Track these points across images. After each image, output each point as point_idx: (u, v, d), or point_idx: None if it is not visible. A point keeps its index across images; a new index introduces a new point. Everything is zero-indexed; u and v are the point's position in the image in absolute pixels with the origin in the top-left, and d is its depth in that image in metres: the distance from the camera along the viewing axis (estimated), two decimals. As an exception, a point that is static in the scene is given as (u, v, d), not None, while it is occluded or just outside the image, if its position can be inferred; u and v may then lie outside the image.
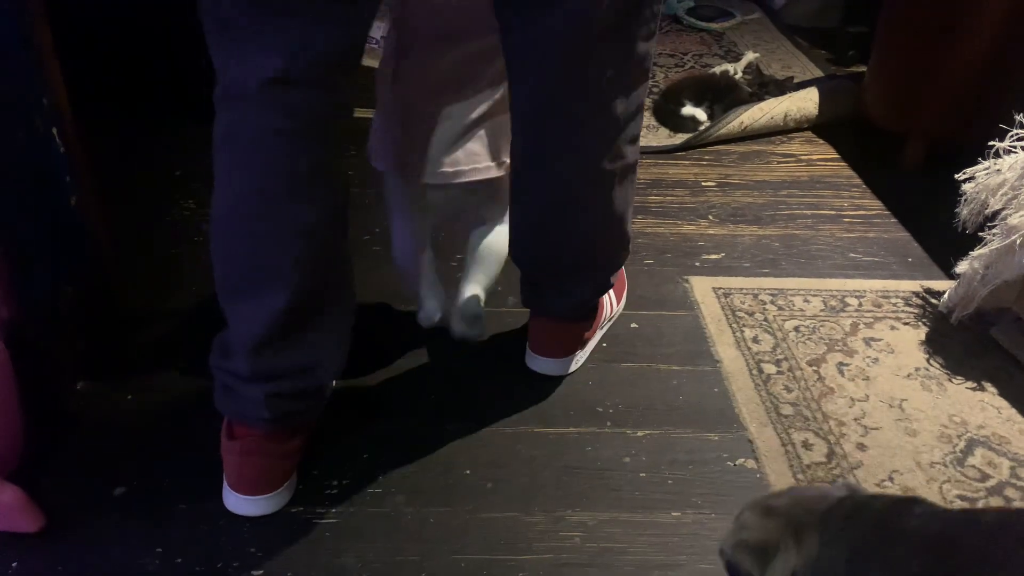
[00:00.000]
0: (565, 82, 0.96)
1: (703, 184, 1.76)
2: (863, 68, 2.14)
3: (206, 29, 0.89)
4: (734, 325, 1.34)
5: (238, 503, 1.00)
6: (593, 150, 1.00)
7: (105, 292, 1.29)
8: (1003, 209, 1.20)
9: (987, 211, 1.23)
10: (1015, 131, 1.22)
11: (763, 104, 1.97)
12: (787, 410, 1.17)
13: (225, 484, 1.01)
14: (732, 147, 1.92)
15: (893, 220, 1.63)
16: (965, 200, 1.28)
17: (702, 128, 1.94)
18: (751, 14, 2.79)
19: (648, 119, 2.05)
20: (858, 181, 1.77)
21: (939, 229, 1.34)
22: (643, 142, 1.88)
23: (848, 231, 1.59)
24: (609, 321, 1.32)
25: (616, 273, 1.20)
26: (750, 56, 2.37)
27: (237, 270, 0.95)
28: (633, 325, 1.34)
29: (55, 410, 1.15)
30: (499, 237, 1.20)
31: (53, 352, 1.15)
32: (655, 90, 2.19)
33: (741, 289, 1.42)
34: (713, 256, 1.51)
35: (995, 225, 1.22)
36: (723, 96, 2.03)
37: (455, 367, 1.24)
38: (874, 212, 1.66)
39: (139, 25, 1.90)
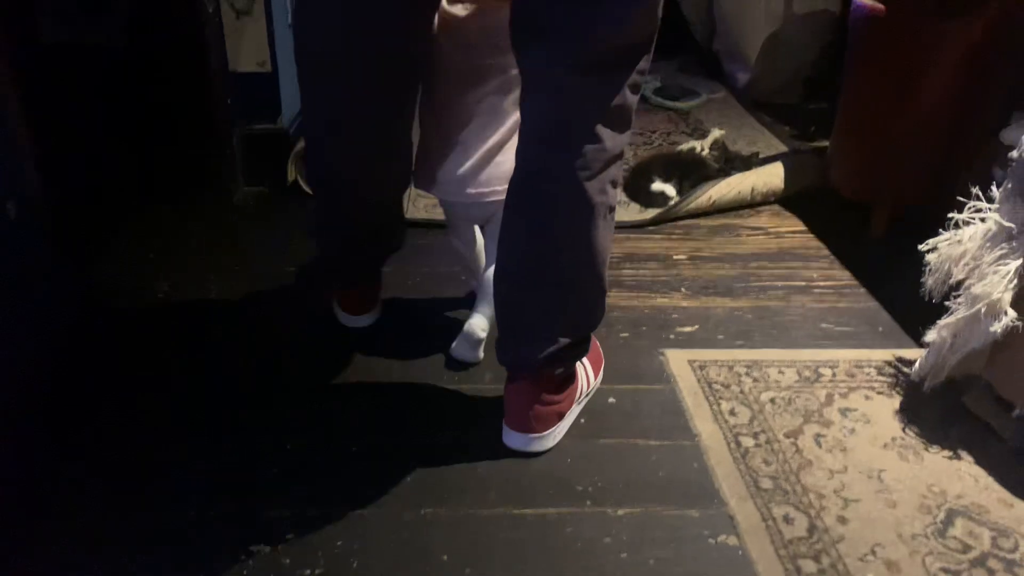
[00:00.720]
0: (560, 106, 1.05)
1: (675, 258, 1.78)
2: (825, 143, 2.22)
3: None
4: (711, 398, 1.34)
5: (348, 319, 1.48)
6: (580, 175, 1.06)
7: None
8: (966, 279, 1.23)
9: (951, 280, 1.26)
10: (972, 203, 1.25)
11: (730, 179, 2.02)
12: (766, 484, 1.17)
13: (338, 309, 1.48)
14: (702, 221, 1.96)
15: (862, 290, 1.66)
16: (930, 270, 1.31)
17: (672, 203, 1.98)
18: (716, 93, 2.89)
19: (619, 195, 2.08)
20: (826, 252, 1.81)
21: (907, 298, 1.36)
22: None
23: (819, 301, 1.62)
24: (586, 396, 1.32)
25: (588, 340, 1.23)
26: (716, 133, 2.44)
27: None
28: (610, 399, 1.34)
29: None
30: None
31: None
32: (625, 167, 2.24)
33: (716, 361, 1.43)
34: (687, 328, 1.52)
35: (960, 294, 1.24)
36: (691, 172, 2.08)
37: (431, 446, 1.23)
38: (843, 282, 1.69)
39: (108, 109, 1.93)
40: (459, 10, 1.24)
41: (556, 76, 1.03)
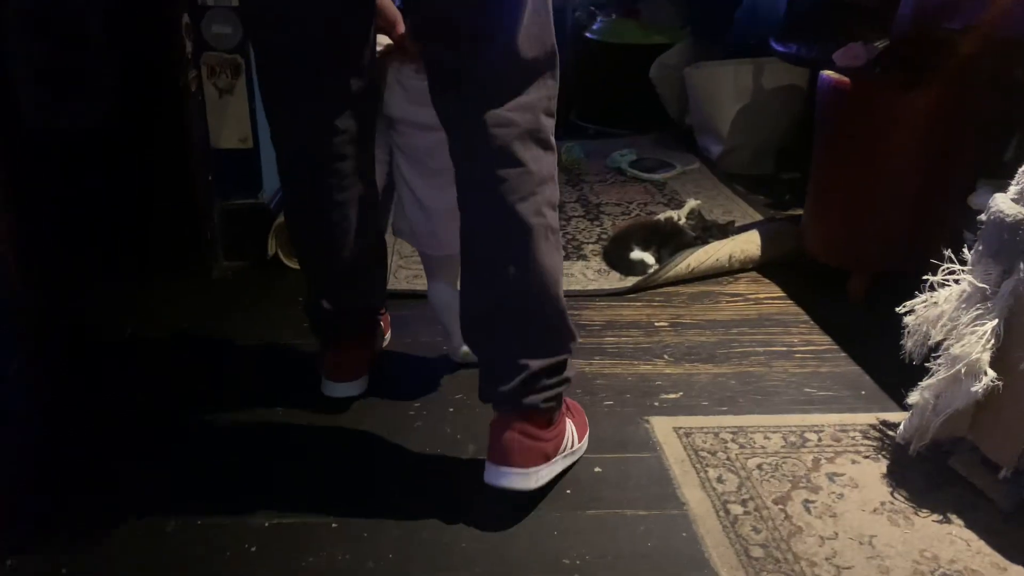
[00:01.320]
0: (480, 139, 1.13)
1: (656, 324, 1.79)
2: (800, 211, 2.27)
3: None
4: (697, 465, 1.32)
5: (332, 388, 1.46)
6: (511, 199, 1.14)
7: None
8: (945, 340, 1.24)
9: (930, 342, 1.27)
10: (945, 265, 1.28)
11: (708, 247, 2.04)
12: (757, 552, 1.14)
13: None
14: (681, 289, 1.97)
15: (843, 354, 1.67)
16: (908, 332, 1.32)
17: (651, 271, 2.00)
18: (690, 165, 2.96)
19: (599, 264, 2.11)
20: (806, 317, 1.82)
21: (888, 361, 1.37)
22: (594, 285, 1.94)
23: (801, 366, 1.62)
24: (572, 455, 1.31)
25: (564, 367, 1.24)
26: (692, 203, 2.49)
27: None
28: (596, 469, 1.32)
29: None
30: None
31: None
32: (604, 237, 2.27)
33: (702, 428, 1.42)
34: (672, 395, 1.52)
35: (939, 356, 1.25)
36: (669, 240, 2.11)
37: (412, 519, 1.20)
38: (824, 347, 1.70)
39: (88, 188, 1.94)
40: (411, 73, 1.36)
41: (472, 113, 1.12)
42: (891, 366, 1.36)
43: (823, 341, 1.72)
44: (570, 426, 1.30)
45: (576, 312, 1.83)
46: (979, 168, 1.67)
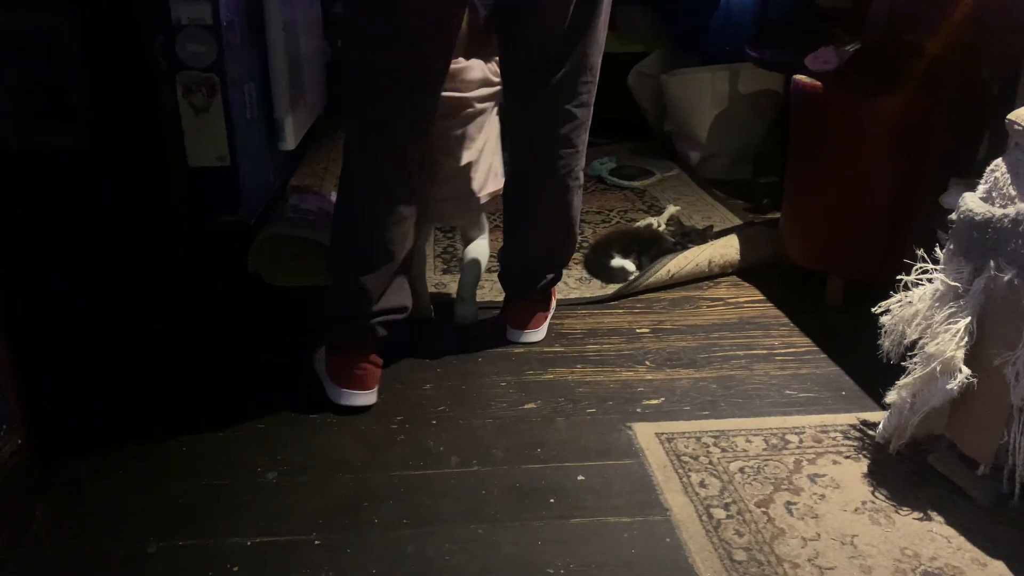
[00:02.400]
0: (552, 128, 1.55)
1: (637, 331, 1.80)
2: (778, 214, 2.29)
3: None
4: (680, 471, 1.33)
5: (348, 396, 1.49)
6: (564, 173, 1.58)
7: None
8: (920, 338, 1.25)
9: (906, 341, 1.28)
10: (919, 265, 1.29)
11: (687, 252, 2.06)
12: (740, 556, 1.15)
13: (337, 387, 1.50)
14: (662, 295, 1.98)
15: (823, 356, 1.68)
16: (885, 332, 1.33)
17: (632, 278, 2.01)
18: (670, 171, 2.98)
19: (580, 272, 2.11)
20: (785, 320, 1.84)
21: (867, 361, 1.38)
22: (576, 294, 1.95)
23: (781, 369, 1.63)
24: (552, 308, 1.82)
25: (562, 273, 1.77)
26: (672, 209, 2.51)
27: None
28: (580, 477, 1.32)
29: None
30: (480, 248, 1.79)
31: None
32: (584, 245, 2.28)
33: (684, 433, 1.42)
34: (653, 401, 1.52)
35: (915, 354, 1.26)
36: (649, 247, 2.12)
37: (396, 532, 1.19)
38: (804, 349, 1.71)
39: (62, 211, 1.93)
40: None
41: (551, 107, 1.53)
42: (870, 366, 1.37)
43: (803, 343, 1.74)
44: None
45: (558, 321, 1.83)
46: (951, 168, 1.69)
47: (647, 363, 1.66)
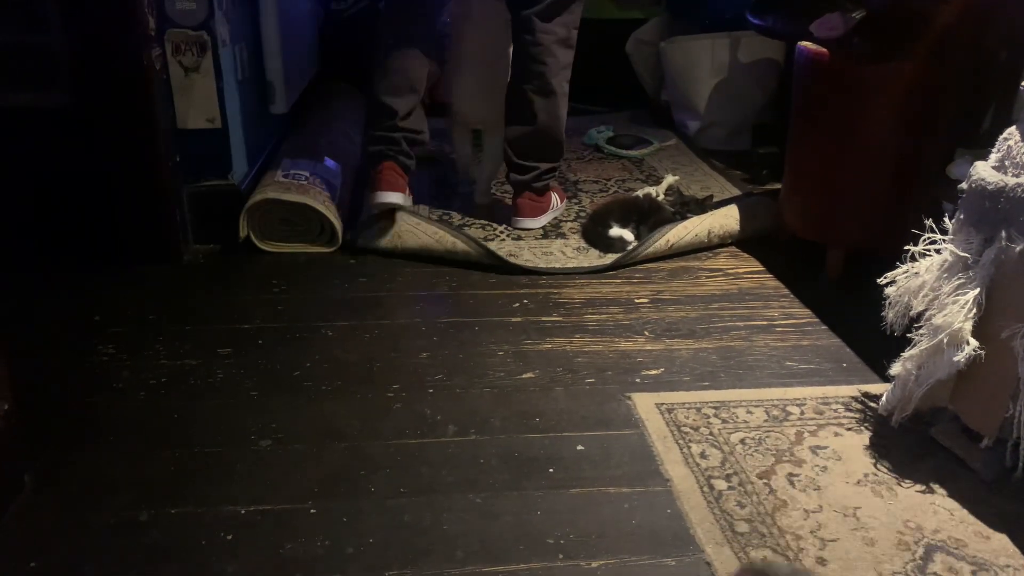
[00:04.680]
0: (536, 41, 2.00)
1: (636, 301, 1.77)
2: (777, 185, 2.26)
3: None
4: (680, 441, 1.31)
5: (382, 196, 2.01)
6: (550, 76, 2.03)
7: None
8: (926, 310, 1.23)
9: (912, 313, 1.26)
10: (927, 235, 1.27)
11: (687, 222, 2.03)
12: (742, 527, 1.13)
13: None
14: (661, 265, 1.96)
15: (823, 327, 1.66)
16: (889, 303, 1.31)
17: (630, 248, 1.98)
18: (668, 141, 2.94)
19: (578, 241, 2.08)
20: (785, 291, 1.82)
21: (869, 333, 1.37)
22: (574, 263, 1.92)
23: (782, 340, 1.61)
24: (556, 211, 2.24)
25: (555, 169, 2.17)
26: (670, 179, 2.47)
27: None
28: (579, 447, 1.30)
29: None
30: (496, 148, 2.21)
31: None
32: (582, 214, 2.25)
33: (684, 404, 1.41)
34: (653, 372, 1.50)
35: (921, 326, 1.25)
36: (648, 217, 2.09)
37: (393, 501, 1.17)
38: (804, 320, 1.69)
39: (51, 169, 1.88)
40: None
41: (534, 25, 1.99)
42: (871, 338, 1.36)
43: (803, 315, 1.72)
44: (554, 196, 2.23)
45: (556, 290, 1.81)
46: (956, 138, 1.67)
47: (646, 333, 1.64)
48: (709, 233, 2.04)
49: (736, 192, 2.43)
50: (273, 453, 1.28)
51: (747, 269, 1.94)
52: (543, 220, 2.18)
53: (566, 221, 2.23)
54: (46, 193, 1.89)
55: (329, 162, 2.25)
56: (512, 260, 1.93)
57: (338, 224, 2.00)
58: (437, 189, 2.40)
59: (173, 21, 1.86)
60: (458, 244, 1.94)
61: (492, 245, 2.06)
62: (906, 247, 1.29)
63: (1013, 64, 1.70)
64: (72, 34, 1.79)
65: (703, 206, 2.15)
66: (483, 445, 1.30)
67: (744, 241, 2.07)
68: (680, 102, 3.02)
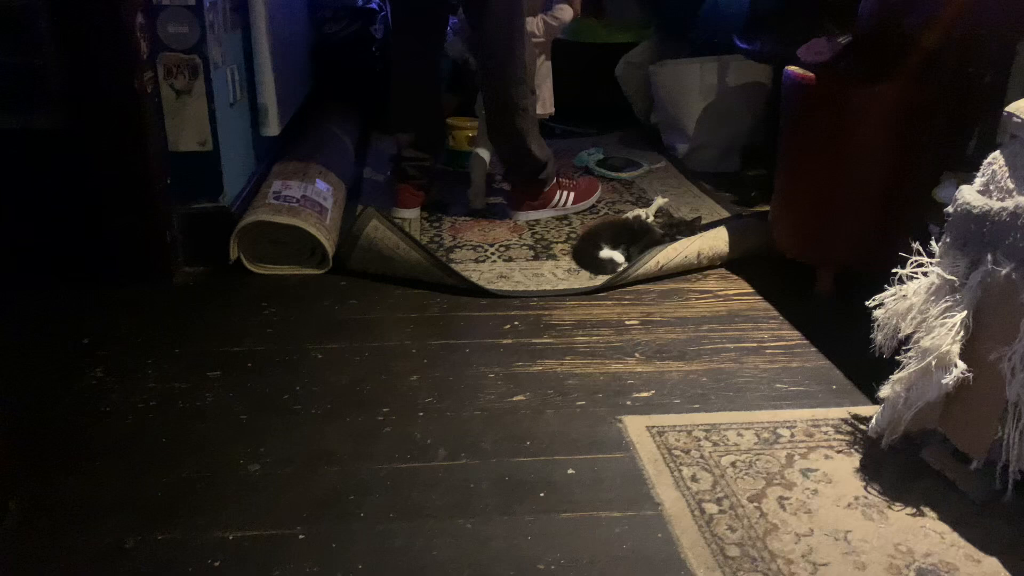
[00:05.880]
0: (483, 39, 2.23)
1: (627, 323, 1.78)
2: (767, 207, 2.27)
3: None
4: (671, 464, 1.31)
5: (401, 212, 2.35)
6: (505, 86, 2.23)
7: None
8: (914, 332, 1.24)
9: (900, 335, 1.27)
10: (913, 258, 1.28)
11: (676, 244, 2.04)
12: (733, 551, 1.13)
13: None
14: (651, 286, 1.96)
15: (813, 349, 1.67)
16: (878, 326, 1.32)
17: (620, 269, 1.99)
18: (657, 163, 2.96)
19: (568, 263, 2.09)
20: (775, 313, 1.82)
21: (858, 355, 1.37)
22: (564, 285, 1.93)
23: (771, 362, 1.62)
24: (563, 209, 2.43)
25: (534, 180, 2.35)
26: (660, 201, 2.49)
27: None
28: (570, 471, 1.30)
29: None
30: (483, 154, 2.44)
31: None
32: (573, 236, 2.26)
33: (675, 426, 1.41)
34: (644, 394, 1.50)
35: (910, 348, 1.25)
36: (638, 238, 2.10)
37: (383, 526, 1.17)
38: (794, 342, 1.70)
39: (44, 191, 1.88)
40: None
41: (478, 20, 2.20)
42: (861, 360, 1.36)
43: (793, 336, 1.72)
44: (564, 195, 2.42)
45: (547, 312, 1.81)
46: (943, 161, 1.68)
47: (636, 355, 1.64)
48: (699, 255, 2.05)
49: (725, 214, 2.44)
50: (262, 478, 1.27)
51: (736, 291, 1.95)
52: (536, 215, 2.38)
53: (556, 242, 2.24)
54: (38, 214, 1.89)
55: (320, 184, 2.26)
56: (491, 287, 1.91)
57: (329, 246, 2.00)
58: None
59: (165, 44, 1.87)
60: (418, 261, 1.93)
61: (484, 266, 2.07)
62: (894, 269, 1.30)
63: (997, 88, 1.72)
64: (65, 57, 1.79)
65: (692, 227, 2.16)
66: (473, 469, 1.30)
67: (734, 262, 2.08)
68: (669, 125, 3.04)
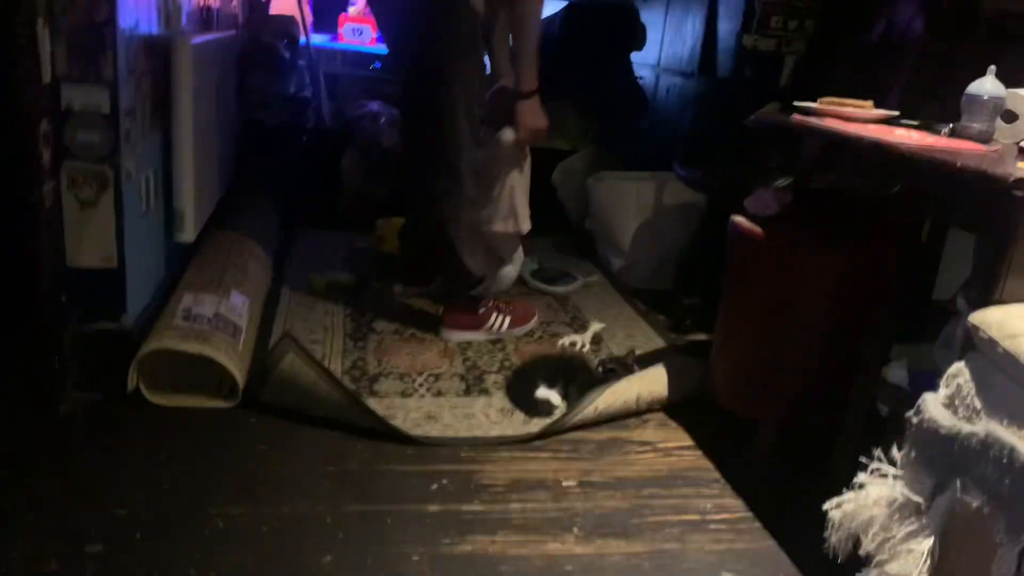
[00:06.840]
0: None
1: (564, 484, 1.66)
2: (700, 336, 2.23)
3: None
4: None
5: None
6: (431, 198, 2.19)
7: None
8: (878, 554, 1.16)
9: (860, 551, 1.19)
10: (874, 464, 1.21)
11: (615, 388, 1.94)
12: None
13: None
14: (589, 434, 1.86)
15: (758, 524, 1.58)
16: (834, 527, 1.25)
17: (557, 416, 1.88)
18: (591, 276, 2.90)
19: (502, 400, 1.97)
20: (716, 475, 1.74)
21: (806, 537, 1.30)
22: (497, 430, 1.81)
23: (716, 541, 1.52)
24: (497, 333, 2.30)
25: (466, 298, 2.26)
26: (595, 326, 2.42)
27: None
28: None
29: None
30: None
31: None
32: (507, 364, 2.15)
33: (616, 629, 1.28)
34: (582, 584, 1.38)
35: (872, 568, 1.17)
36: (575, 376, 2.01)
37: None
38: (738, 515, 1.61)
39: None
40: None
41: None
42: (805, 541, 1.29)
43: (736, 506, 1.64)
44: (499, 318, 2.30)
45: (479, 467, 1.68)
46: (893, 333, 1.65)
47: (575, 530, 1.51)
48: (638, 399, 1.96)
49: (659, 341, 2.39)
50: None
51: (676, 443, 1.86)
52: (469, 336, 2.28)
53: (489, 372, 2.12)
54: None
55: (236, 298, 2.08)
56: (417, 431, 1.77)
57: (240, 377, 1.83)
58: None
59: (72, 153, 1.69)
60: (338, 402, 1.77)
61: (411, 402, 1.93)
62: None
63: (935, 245, 1.70)
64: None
65: (627, 366, 2.08)
66: None
67: (673, 405, 2.00)
68: (605, 237, 3.00)
